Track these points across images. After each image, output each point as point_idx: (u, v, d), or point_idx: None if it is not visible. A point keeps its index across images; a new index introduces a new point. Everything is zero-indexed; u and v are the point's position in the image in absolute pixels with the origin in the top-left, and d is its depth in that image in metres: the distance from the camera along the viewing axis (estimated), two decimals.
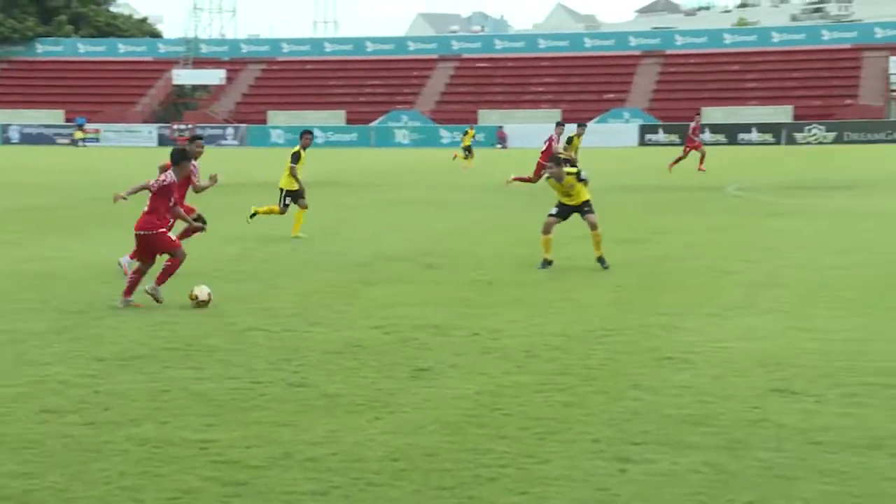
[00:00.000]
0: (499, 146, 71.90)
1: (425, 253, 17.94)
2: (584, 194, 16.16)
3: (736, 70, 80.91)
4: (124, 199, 13.23)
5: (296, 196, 20.41)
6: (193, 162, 15.53)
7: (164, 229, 13.27)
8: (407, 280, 15.23)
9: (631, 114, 76.93)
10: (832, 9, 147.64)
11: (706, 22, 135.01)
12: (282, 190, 20.50)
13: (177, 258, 13.19)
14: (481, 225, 22.65)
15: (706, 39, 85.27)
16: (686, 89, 79.61)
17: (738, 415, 8.31)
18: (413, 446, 7.59)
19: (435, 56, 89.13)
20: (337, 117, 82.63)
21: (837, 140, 68.59)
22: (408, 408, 8.60)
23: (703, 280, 14.93)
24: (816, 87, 77.50)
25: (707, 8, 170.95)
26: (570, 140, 30.92)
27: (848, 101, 76.04)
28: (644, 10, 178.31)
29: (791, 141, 69.19)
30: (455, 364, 10.06)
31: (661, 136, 71.57)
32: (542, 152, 29.78)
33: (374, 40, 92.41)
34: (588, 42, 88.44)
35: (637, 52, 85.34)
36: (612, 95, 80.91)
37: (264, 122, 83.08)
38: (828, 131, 69.64)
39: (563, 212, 16.23)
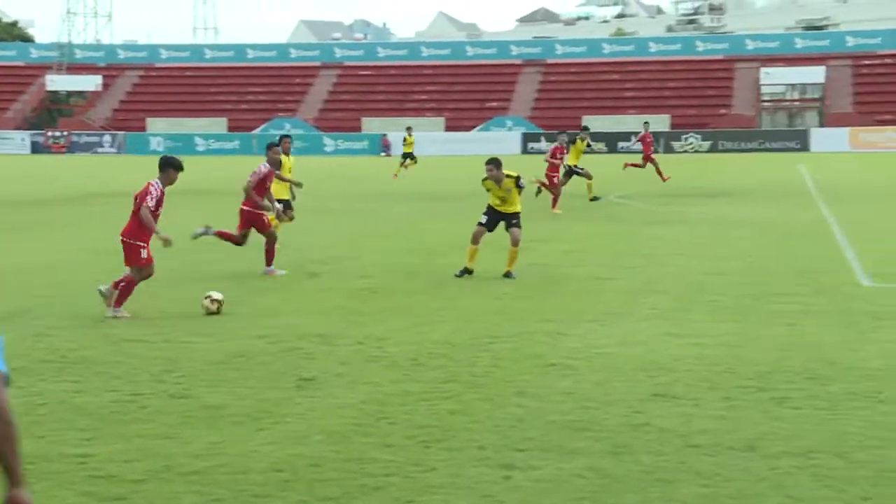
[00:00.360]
0: (383, 154, 71.93)
1: (309, 261, 17.83)
2: (516, 205, 16.11)
3: (615, 79, 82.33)
4: (168, 239, 12.98)
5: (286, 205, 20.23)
6: (270, 167, 16.94)
7: (142, 243, 13.02)
8: (291, 289, 15.11)
9: (513, 122, 77.66)
10: (705, 20, 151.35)
11: (585, 31, 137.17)
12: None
13: (132, 278, 12.96)
14: (366, 233, 22.60)
15: (585, 49, 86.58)
16: (567, 98, 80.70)
17: (620, 420, 8.44)
18: (298, 457, 7.53)
19: (317, 63, 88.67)
20: (218, 125, 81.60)
21: (713, 149, 70.27)
22: (292, 418, 8.53)
23: (585, 287, 15.14)
24: (692, 96, 79.30)
25: (586, 18, 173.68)
26: (574, 143, 30.64)
27: (722, 111, 77.99)
28: (524, 20, 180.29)
29: (669, 149, 70.62)
30: (340, 373, 10.02)
31: (543, 144, 72.30)
32: (549, 162, 28.90)
33: (256, 47, 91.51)
34: (470, 50, 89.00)
35: (518, 61, 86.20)
36: (494, 104, 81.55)
37: (143, 129, 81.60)
38: (703, 140, 71.31)
39: (492, 220, 16.11)
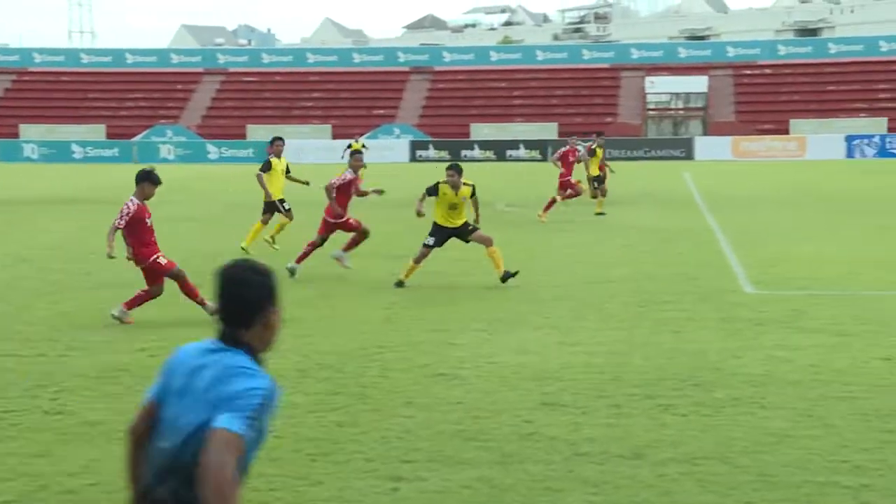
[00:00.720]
0: None
1: (193, 272, 17.43)
2: (464, 216, 15.94)
3: (503, 87, 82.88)
4: (109, 254, 12.97)
5: (271, 206, 20.21)
6: (355, 174, 17.46)
7: (156, 256, 13.01)
8: (174, 300, 14.76)
9: (401, 130, 77.59)
10: (591, 29, 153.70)
11: (473, 39, 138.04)
12: (273, 202, 20.34)
13: (176, 276, 13.11)
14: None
15: (473, 56, 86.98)
16: (455, 105, 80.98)
17: (509, 429, 8.40)
18: None
19: (200, 69, 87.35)
20: (96, 132, 79.78)
21: None
22: None
23: (475, 296, 15.13)
24: (579, 104, 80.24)
25: (473, 25, 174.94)
26: (593, 152, 30.00)
27: (608, 119, 79.11)
28: (411, 27, 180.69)
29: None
30: None
31: (431, 152, 72.51)
32: (563, 169, 28.09)
33: (135, 52, 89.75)
34: (357, 57, 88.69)
35: (406, 68, 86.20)
36: (382, 111, 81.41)
37: (16, 136, 79.36)
38: None
39: (440, 239, 15.93)
